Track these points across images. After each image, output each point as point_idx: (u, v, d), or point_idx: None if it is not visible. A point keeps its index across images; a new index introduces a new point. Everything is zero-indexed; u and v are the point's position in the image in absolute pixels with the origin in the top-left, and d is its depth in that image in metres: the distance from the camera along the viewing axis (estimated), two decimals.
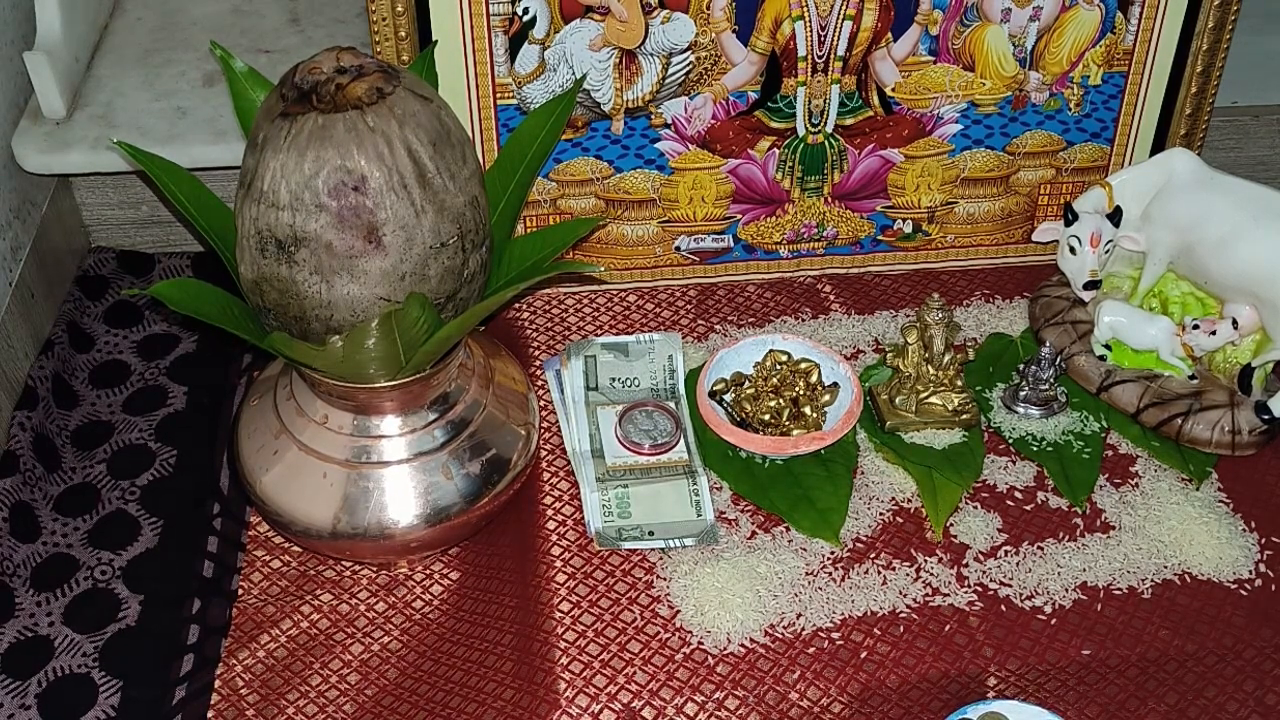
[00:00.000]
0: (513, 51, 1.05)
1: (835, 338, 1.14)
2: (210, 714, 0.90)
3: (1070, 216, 1.08)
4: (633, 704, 0.88)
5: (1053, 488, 1.02)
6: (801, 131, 1.12)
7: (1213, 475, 1.03)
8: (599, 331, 1.14)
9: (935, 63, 1.10)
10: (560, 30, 1.05)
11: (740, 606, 0.93)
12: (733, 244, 1.17)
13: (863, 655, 0.91)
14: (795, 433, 1.03)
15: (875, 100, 1.11)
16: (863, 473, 1.03)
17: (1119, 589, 0.95)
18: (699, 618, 0.92)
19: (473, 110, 1.07)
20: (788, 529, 0.98)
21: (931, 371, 1.04)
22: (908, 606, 0.94)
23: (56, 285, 1.23)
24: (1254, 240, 1.01)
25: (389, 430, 0.93)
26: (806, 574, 0.95)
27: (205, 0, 1.38)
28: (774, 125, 1.12)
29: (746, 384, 1.06)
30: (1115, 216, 1.08)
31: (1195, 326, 1.04)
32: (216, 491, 1.05)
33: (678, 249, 1.17)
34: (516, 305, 1.17)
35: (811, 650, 0.91)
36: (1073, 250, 1.08)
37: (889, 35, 1.08)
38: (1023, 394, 1.06)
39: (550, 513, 1.00)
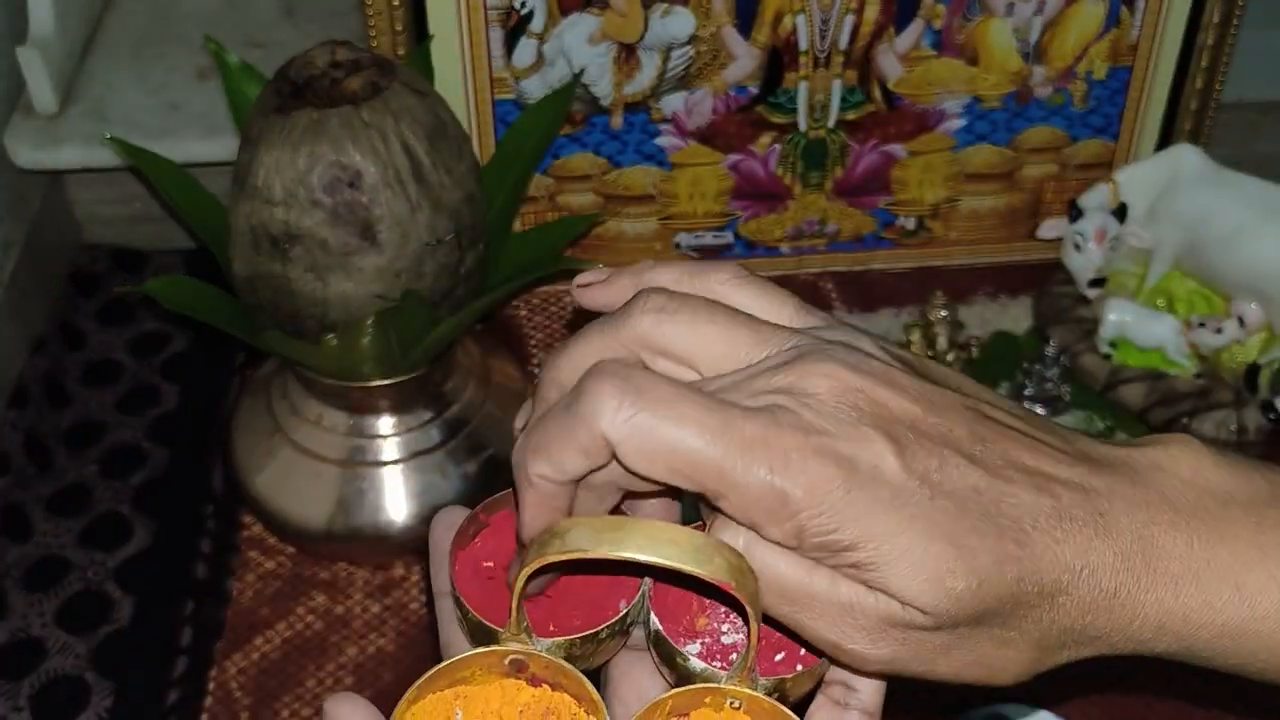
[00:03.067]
0: (510, 46, 1.04)
1: None
2: (204, 716, 0.89)
3: (1075, 213, 1.08)
4: None
5: None
6: (803, 126, 1.11)
7: None
8: None
9: (939, 57, 1.09)
10: (558, 24, 1.04)
11: None
12: (733, 240, 1.16)
13: None
14: None
15: (878, 95, 1.10)
16: None
17: None
18: None
19: (469, 105, 1.06)
20: None
21: None
22: None
23: (48, 283, 1.22)
24: (1261, 237, 1.00)
25: (384, 429, 0.92)
26: None
27: None
28: (775, 120, 1.10)
29: None
30: (1121, 213, 1.07)
31: (1201, 324, 1.03)
32: (210, 492, 1.04)
33: (678, 245, 1.16)
34: (514, 303, 1.16)
35: None
36: (1077, 247, 1.07)
37: (892, 29, 1.07)
38: (1027, 392, 1.05)
39: None
